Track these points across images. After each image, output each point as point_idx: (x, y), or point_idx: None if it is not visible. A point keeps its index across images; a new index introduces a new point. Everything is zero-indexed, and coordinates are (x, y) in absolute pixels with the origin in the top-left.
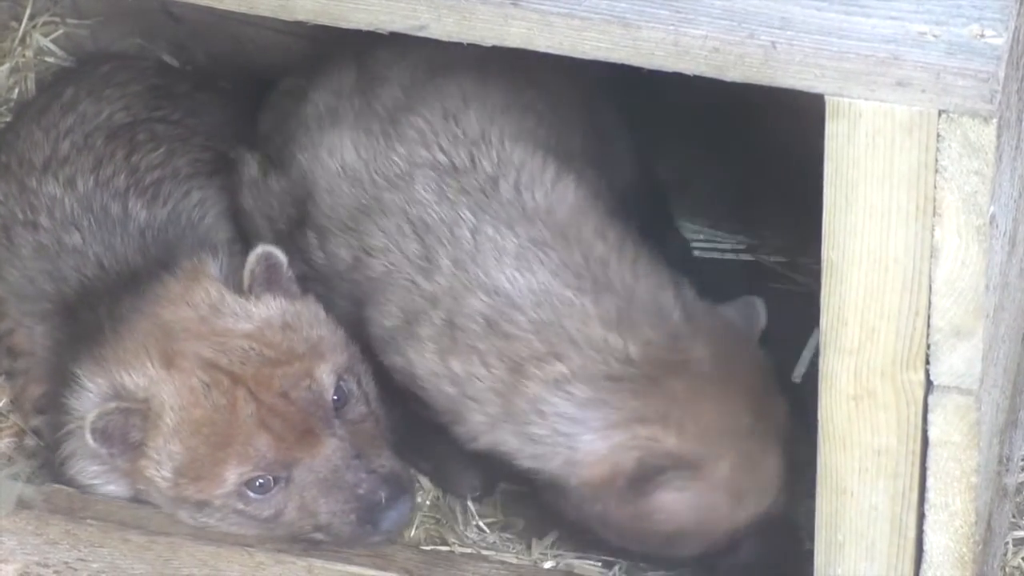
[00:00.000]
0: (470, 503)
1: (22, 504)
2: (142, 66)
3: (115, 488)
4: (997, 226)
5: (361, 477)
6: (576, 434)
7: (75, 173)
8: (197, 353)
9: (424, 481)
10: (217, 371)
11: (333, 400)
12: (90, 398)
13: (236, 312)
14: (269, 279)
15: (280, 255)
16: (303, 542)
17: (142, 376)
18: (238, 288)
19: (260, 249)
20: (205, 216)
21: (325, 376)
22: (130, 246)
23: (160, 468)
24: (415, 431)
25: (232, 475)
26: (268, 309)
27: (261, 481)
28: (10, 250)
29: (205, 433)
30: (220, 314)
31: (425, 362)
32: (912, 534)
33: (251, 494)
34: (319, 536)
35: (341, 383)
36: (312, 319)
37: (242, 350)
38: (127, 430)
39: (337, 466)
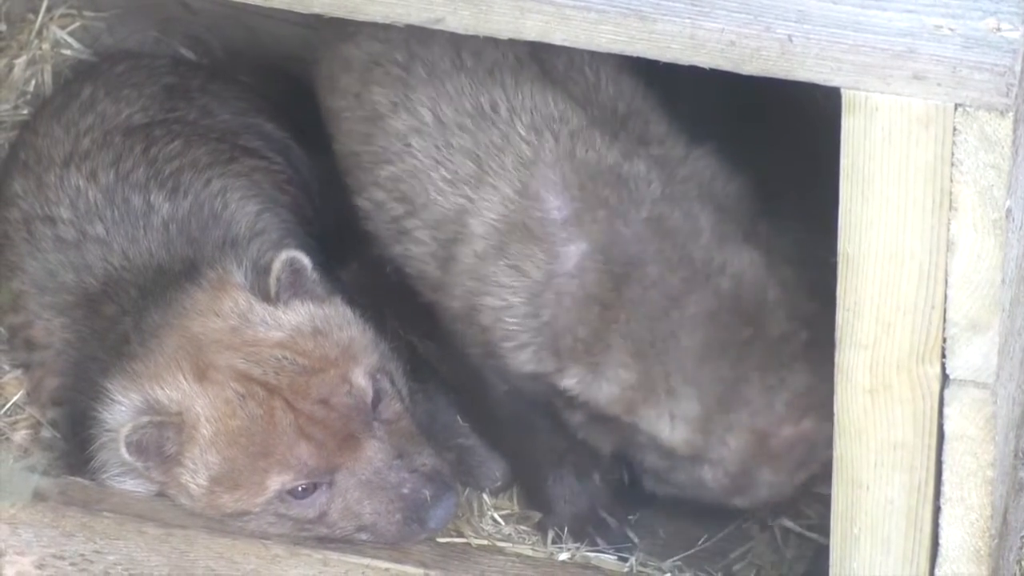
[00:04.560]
0: (485, 496)
1: (38, 496)
2: (156, 64)
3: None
4: (1013, 219)
5: (404, 477)
6: None
7: (96, 167)
8: (230, 365)
9: None
10: (251, 382)
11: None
12: (123, 412)
13: (266, 321)
14: (295, 284)
15: (304, 259)
16: (346, 542)
17: (175, 389)
18: (264, 292)
19: (284, 255)
20: (228, 204)
21: (362, 379)
22: (154, 239)
23: (196, 477)
24: (437, 424)
25: (274, 483)
26: (297, 316)
27: (303, 487)
28: (31, 243)
29: (243, 443)
30: (250, 324)
31: None
32: (928, 528)
33: (292, 499)
34: (362, 536)
35: (375, 383)
36: (341, 321)
37: (275, 360)
38: (162, 443)
39: (379, 467)
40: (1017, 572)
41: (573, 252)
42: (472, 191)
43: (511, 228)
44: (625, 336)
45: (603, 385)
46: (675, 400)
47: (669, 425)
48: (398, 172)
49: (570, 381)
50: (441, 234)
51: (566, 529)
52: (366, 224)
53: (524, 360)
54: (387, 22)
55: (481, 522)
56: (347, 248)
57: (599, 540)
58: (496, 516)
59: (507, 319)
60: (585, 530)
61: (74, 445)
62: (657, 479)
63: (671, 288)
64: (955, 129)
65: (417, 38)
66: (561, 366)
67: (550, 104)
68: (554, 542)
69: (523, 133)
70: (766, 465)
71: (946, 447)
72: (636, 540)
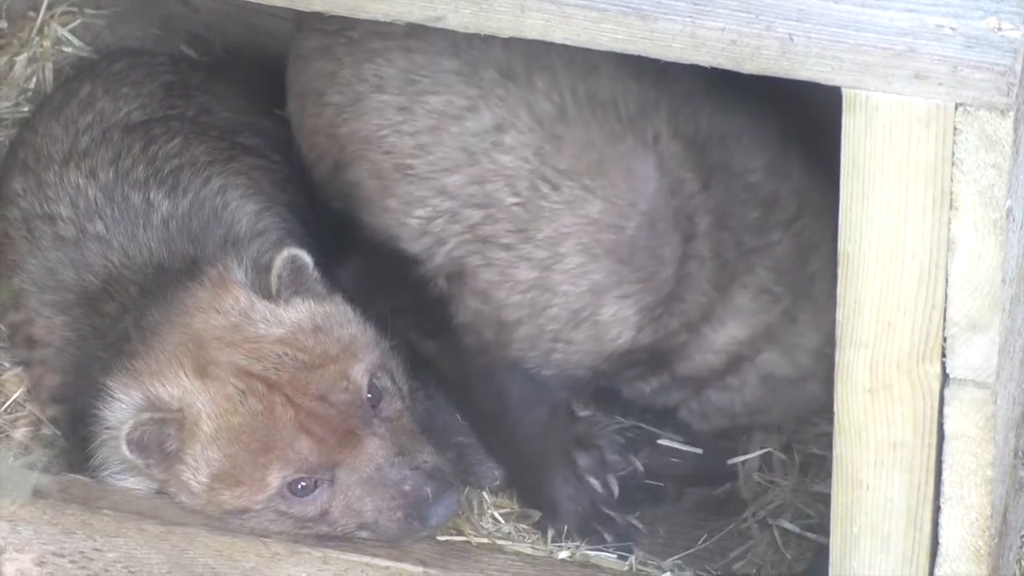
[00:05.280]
0: (485, 494)
1: (38, 493)
2: (155, 62)
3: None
4: (1014, 219)
5: (406, 474)
6: None
7: (96, 165)
8: (231, 361)
9: None
10: (252, 378)
11: (368, 398)
12: (123, 409)
13: (267, 318)
14: (296, 281)
15: (305, 257)
16: (346, 540)
17: (176, 386)
18: (266, 290)
19: (286, 252)
20: (228, 203)
21: (360, 376)
22: (153, 237)
23: (197, 474)
24: (437, 422)
25: (275, 480)
26: (298, 313)
27: (303, 483)
28: (31, 241)
29: (244, 440)
30: (251, 321)
31: None
32: (928, 527)
33: (294, 497)
34: (363, 534)
35: (375, 381)
36: (342, 319)
37: (276, 356)
38: (163, 440)
39: (380, 464)
40: (1017, 571)
41: (701, 222)
42: (591, 180)
43: (640, 213)
44: (747, 284)
45: (726, 333)
46: (798, 333)
47: (787, 357)
48: (480, 173)
49: (689, 339)
50: (543, 232)
51: (571, 528)
52: (412, 246)
53: (644, 336)
54: (388, 20)
55: (481, 520)
56: (346, 247)
57: (607, 536)
58: (496, 514)
59: (645, 301)
60: (591, 527)
61: (74, 443)
62: (713, 415)
63: (799, 228)
64: (956, 128)
65: (470, 44)
66: (683, 326)
67: (643, 89)
68: (554, 540)
69: (635, 118)
70: None
71: (946, 446)
72: (641, 526)
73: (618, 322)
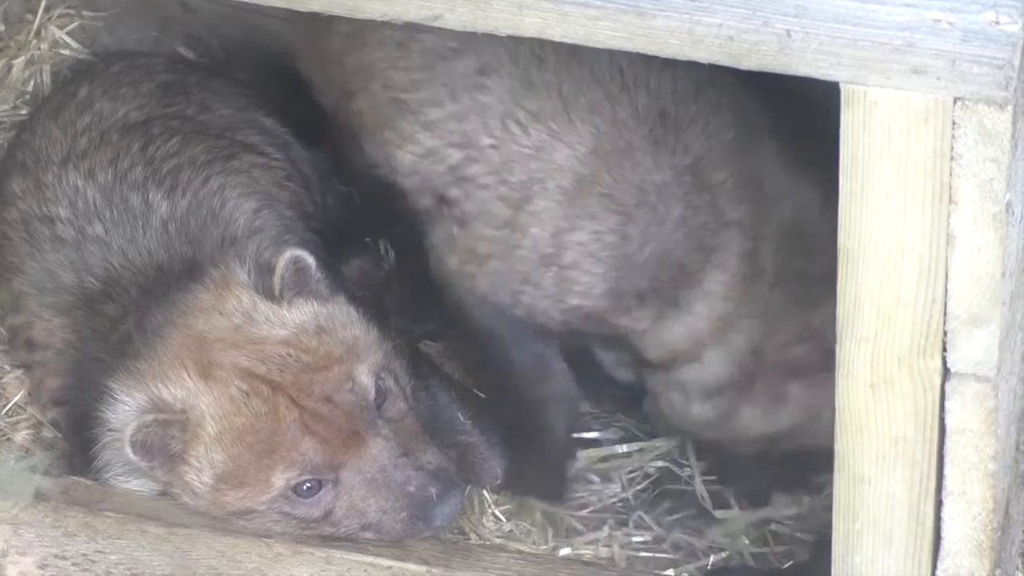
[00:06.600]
0: (486, 493)
1: (40, 496)
2: (153, 63)
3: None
4: (1013, 213)
5: (410, 475)
6: None
7: (94, 166)
8: (234, 362)
9: None
10: (256, 379)
11: (372, 399)
12: (127, 411)
13: (270, 319)
14: (299, 282)
15: (308, 258)
16: (349, 540)
17: (179, 388)
18: (269, 291)
19: (288, 254)
20: (226, 202)
21: (365, 377)
22: (153, 239)
23: (201, 475)
24: (439, 421)
25: (279, 481)
26: (301, 314)
27: (308, 485)
28: (30, 243)
29: (248, 441)
30: (254, 322)
31: None
32: (930, 522)
33: (298, 497)
34: (367, 535)
35: (379, 382)
36: (345, 320)
37: (280, 357)
38: (166, 441)
39: (384, 465)
40: (1020, 565)
41: (667, 170)
42: (557, 125)
43: (603, 161)
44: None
45: (677, 327)
46: (736, 335)
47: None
48: (461, 111)
49: (638, 323)
50: (515, 176)
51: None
52: (405, 181)
53: (606, 289)
54: (385, 19)
55: (482, 519)
56: (348, 244)
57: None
58: (497, 513)
59: (600, 253)
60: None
61: (77, 445)
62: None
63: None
64: (954, 123)
65: None
66: (638, 303)
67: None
68: (555, 536)
69: (606, 68)
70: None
71: (947, 441)
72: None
73: (580, 270)
